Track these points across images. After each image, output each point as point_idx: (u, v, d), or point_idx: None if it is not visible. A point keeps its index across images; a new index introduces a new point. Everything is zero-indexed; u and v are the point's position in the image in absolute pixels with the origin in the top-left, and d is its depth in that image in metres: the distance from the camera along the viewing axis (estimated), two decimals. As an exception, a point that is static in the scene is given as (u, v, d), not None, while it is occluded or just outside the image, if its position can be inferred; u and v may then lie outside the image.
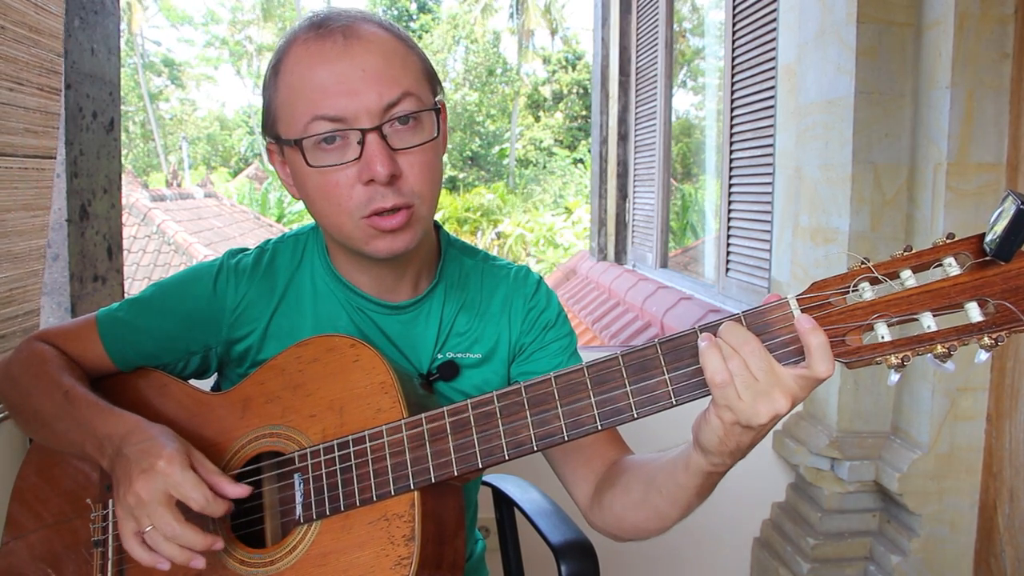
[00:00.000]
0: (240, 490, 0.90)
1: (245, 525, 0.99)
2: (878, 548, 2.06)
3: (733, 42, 3.17)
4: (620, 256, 5.19)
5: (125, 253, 2.21)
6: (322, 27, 0.93)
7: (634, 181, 4.96)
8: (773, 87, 2.72)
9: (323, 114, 0.91)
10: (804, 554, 2.10)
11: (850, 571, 2.09)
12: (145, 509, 0.86)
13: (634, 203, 4.97)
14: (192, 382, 1.11)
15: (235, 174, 21.23)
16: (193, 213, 10.86)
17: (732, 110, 3.18)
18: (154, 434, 0.91)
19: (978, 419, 1.94)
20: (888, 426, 2.08)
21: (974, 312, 0.73)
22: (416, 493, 0.89)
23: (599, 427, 0.84)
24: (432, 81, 1.00)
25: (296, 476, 0.95)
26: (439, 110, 0.98)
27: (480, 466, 0.88)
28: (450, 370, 1.08)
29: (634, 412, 0.82)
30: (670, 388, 0.81)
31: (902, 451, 1.99)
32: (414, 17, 22.91)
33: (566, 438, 0.85)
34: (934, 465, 1.93)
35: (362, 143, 0.91)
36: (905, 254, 0.75)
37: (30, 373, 1.06)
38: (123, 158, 1.98)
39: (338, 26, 0.93)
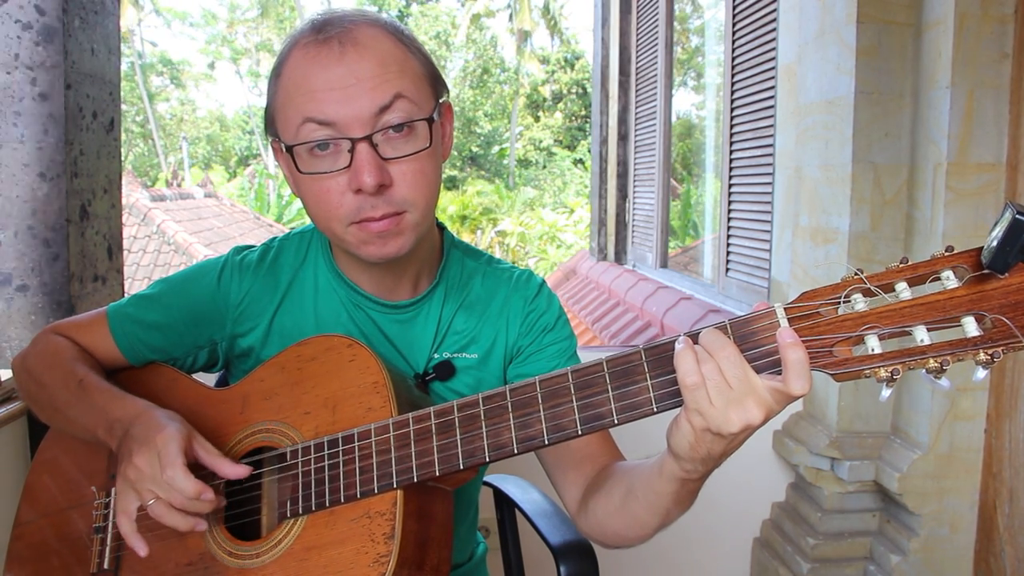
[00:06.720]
0: (240, 470, 0.92)
1: (240, 516, 1.00)
2: (878, 548, 2.06)
3: (733, 42, 3.17)
4: (620, 256, 5.19)
5: (125, 253, 2.21)
6: (322, 31, 0.94)
7: (634, 181, 4.96)
8: (773, 87, 2.72)
9: (313, 117, 0.91)
10: (804, 554, 2.10)
11: (850, 571, 2.09)
12: (146, 482, 0.88)
13: (634, 203, 4.97)
14: (200, 377, 1.13)
15: (234, 174, 21.23)
16: (193, 213, 10.87)
17: (732, 110, 3.18)
18: (158, 415, 0.94)
19: (978, 419, 1.94)
20: (888, 426, 2.08)
21: (971, 327, 0.70)
22: (399, 492, 0.89)
23: (579, 432, 0.83)
24: (435, 84, 0.99)
25: (287, 471, 0.96)
26: (432, 120, 0.95)
27: (461, 467, 0.88)
28: (446, 370, 1.08)
29: (615, 418, 0.81)
30: (652, 395, 0.80)
31: (902, 451, 1.99)
32: (409, 16, 22.85)
33: (546, 442, 0.84)
34: (934, 465, 1.93)
35: (352, 151, 0.91)
36: (901, 266, 0.72)
37: (45, 364, 1.10)
38: (123, 158, 1.98)
39: (336, 32, 0.93)
